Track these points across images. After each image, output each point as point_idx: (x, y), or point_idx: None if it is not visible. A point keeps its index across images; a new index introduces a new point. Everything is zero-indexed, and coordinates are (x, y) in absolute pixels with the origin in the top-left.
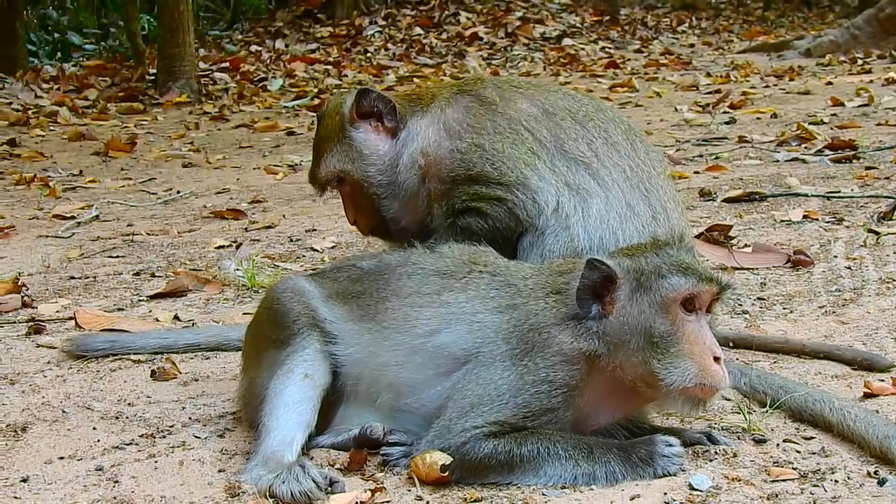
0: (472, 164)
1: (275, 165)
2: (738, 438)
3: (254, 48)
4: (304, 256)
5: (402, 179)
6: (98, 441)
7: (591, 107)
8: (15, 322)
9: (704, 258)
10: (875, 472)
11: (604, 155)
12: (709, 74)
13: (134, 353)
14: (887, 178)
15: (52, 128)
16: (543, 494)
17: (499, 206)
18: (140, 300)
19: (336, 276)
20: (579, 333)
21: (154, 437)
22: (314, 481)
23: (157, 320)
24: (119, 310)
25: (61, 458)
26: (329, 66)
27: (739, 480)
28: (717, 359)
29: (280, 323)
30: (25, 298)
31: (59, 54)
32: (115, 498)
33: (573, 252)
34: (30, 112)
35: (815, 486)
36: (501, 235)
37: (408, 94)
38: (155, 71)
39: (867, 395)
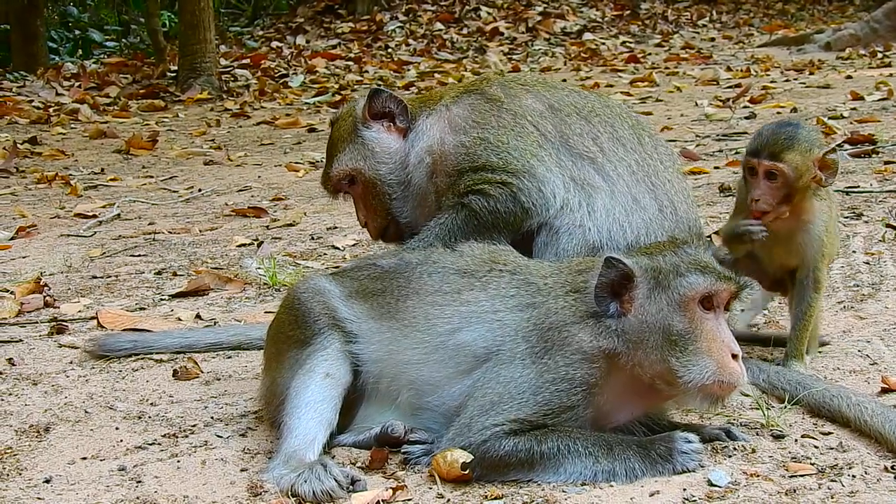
0: (476, 157)
1: (296, 162)
2: (757, 434)
3: (275, 44)
4: (325, 254)
5: (411, 178)
6: (121, 441)
7: (597, 103)
8: (37, 322)
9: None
10: (892, 467)
11: (609, 150)
12: (729, 69)
13: (156, 353)
14: None
15: (73, 126)
16: (563, 491)
17: (503, 188)
18: (162, 299)
19: (356, 274)
20: (598, 332)
21: (176, 437)
22: (336, 480)
23: (179, 319)
24: (141, 309)
25: (84, 458)
26: (350, 62)
27: (758, 476)
28: (735, 356)
29: (301, 322)
30: (47, 298)
31: (79, 51)
32: (137, 498)
33: (585, 247)
34: (51, 110)
35: (832, 480)
36: (503, 220)
37: (420, 96)
38: (176, 68)
39: (884, 391)
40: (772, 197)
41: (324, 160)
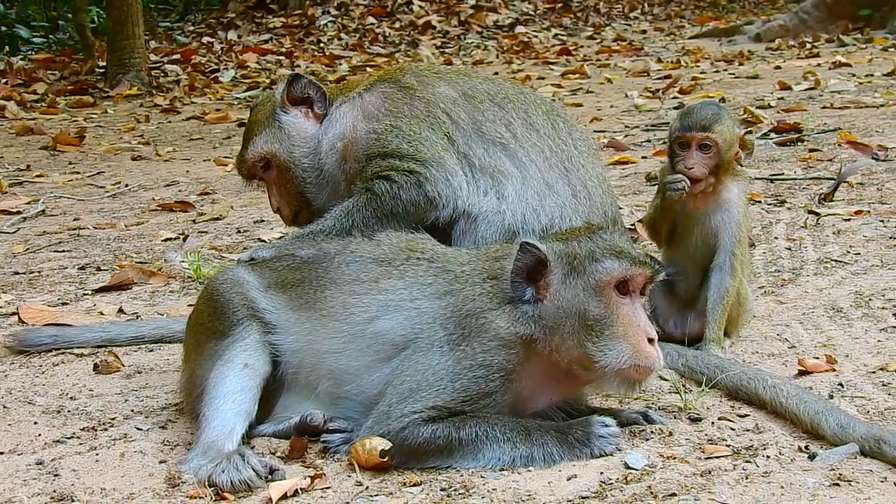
0: (387, 143)
1: (225, 157)
2: (675, 418)
3: (206, 39)
4: (251, 248)
5: (324, 165)
6: (39, 435)
7: (510, 90)
8: None
9: (648, 241)
10: (806, 447)
11: (522, 136)
12: (660, 60)
13: (77, 347)
14: (830, 160)
15: None
16: (482, 477)
17: (409, 176)
18: (85, 294)
19: (275, 265)
20: (515, 318)
21: (96, 430)
22: (254, 469)
23: (102, 314)
24: (63, 304)
25: (1, 452)
26: (282, 57)
27: (674, 458)
28: (651, 340)
29: (219, 314)
30: None
31: (6, 48)
32: (55, 491)
33: (503, 234)
34: None
35: (747, 461)
36: (405, 207)
37: (339, 86)
38: (105, 64)
39: (801, 373)
40: (704, 166)
41: None
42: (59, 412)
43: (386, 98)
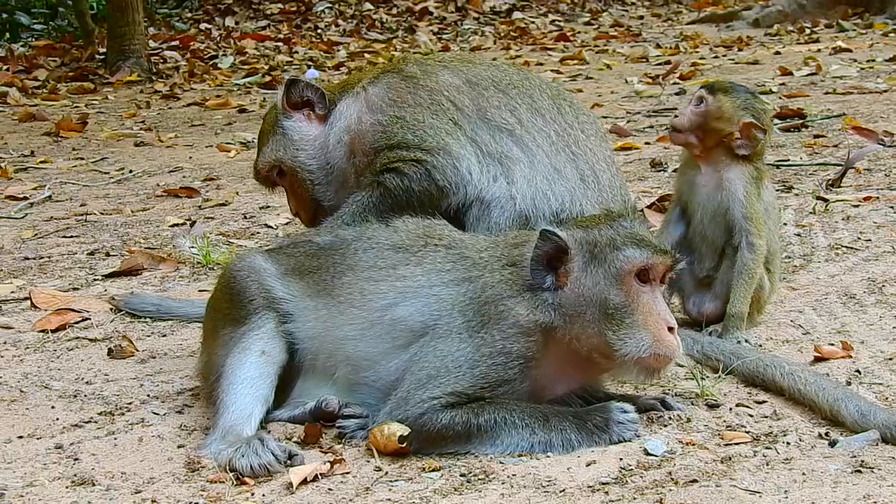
0: (392, 134)
1: (227, 143)
2: (692, 404)
3: (204, 26)
4: (258, 233)
5: (331, 161)
6: (57, 419)
7: (515, 75)
8: None
9: (655, 228)
10: (826, 434)
11: (527, 121)
12: (658, 46)
13: (177, 319)
14: (835, 145)
15: (1, 109)
16: (501, 462)
17: (417, 166)
18: (95, 279)
19: (292, 251)
20: (535, 305)
21: (113, 415)
22: (273, 454)
23: (113, 299)
24: (74, 289)
25: (20, 437)
26: (279, 43)
27: (693, 444)
28: (670, 328)
29: (236, 301)
30: None
31: (7, 35)
32: (75, 475)
33: (516, 219)
34: None
35: (767, 448)
36: (417, 198)
37: (341, 82)
38: (105, 50)
39: (818, 360)
40: (689, 120)
41: (255, 140)
42: (75, 397)
43: (390, 89)
